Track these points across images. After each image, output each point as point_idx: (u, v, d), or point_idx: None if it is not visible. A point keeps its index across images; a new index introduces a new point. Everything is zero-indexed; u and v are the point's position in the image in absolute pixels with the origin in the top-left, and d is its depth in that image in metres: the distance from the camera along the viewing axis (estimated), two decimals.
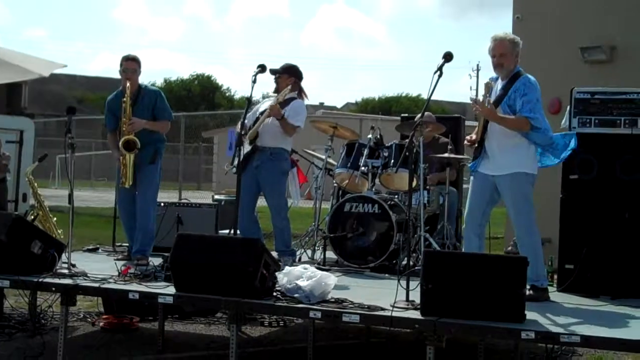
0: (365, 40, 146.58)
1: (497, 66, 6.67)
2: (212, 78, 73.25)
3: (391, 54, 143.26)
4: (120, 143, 8.04)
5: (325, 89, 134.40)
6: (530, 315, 5.54)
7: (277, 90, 8.19)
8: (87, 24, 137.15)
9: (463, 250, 7.07)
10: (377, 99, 71.84)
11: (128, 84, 8.09)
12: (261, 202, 8.30)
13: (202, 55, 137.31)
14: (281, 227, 8.07)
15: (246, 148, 8.00)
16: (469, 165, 7.01)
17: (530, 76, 6.58)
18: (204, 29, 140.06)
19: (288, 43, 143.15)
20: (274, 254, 7.81)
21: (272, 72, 8.12)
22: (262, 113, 8.05)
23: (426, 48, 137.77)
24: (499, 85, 6.71)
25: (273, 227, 8.14)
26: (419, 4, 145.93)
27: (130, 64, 8.22)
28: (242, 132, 7.47)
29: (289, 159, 8.33)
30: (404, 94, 72.64)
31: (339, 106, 72.06)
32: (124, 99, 8.10)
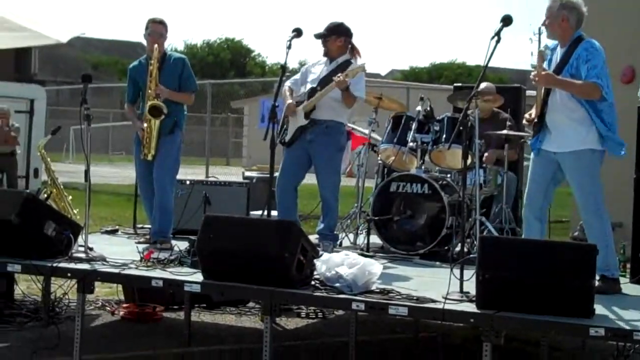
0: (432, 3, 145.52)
1: (546, 29, 6.66)
2: (240, 41, 73.01)
3: (443, 16, 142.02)
4: (147, 107, 8.10)
5: (369, 53, 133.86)
6: (599, 309, 5.52)
7: (326, 54, 8.18)
8: None
9: (523, 235, 7.03)
10: (426, 67, 71.43)
11: (155, 46, 8.15)
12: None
13: (230, 18, 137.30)
14: (331, 206, 8.09)
15: (299, 121, 8.03)
16: (529, 142, 6.96)
17: (593, 40, 6.49)
18: None
19: (325, 4, 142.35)
20: (313, 237, 7.85)
21: (318, 36, 8.10)
22: (319, 84, 8.02)
23: (484, 9, 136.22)
24: (558, 53, 6.65)
25: (322, 205, 8.16)
26: None
27: (158, 27, 8.29)
28: (277, 105, 7.46)
29: (346, 132, 8.34)
30: (456, 61, 72.09)
31: (383, 73, 71.82)
32: (151, 62, 8.16)
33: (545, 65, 6.68)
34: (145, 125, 8.17)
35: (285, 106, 8.08)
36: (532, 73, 6.55)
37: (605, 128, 6.43)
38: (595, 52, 6.42)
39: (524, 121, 6.99)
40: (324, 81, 7.97)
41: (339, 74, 7.73)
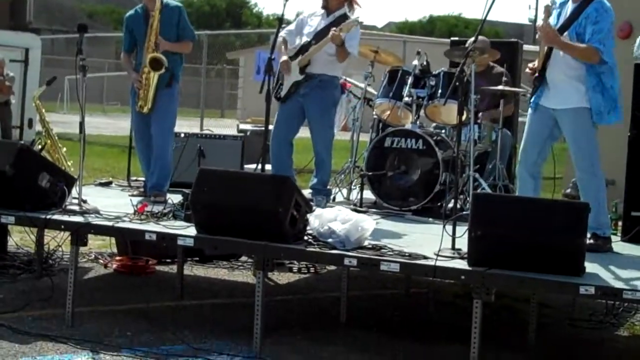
0: None
1: None
2: None
3: None
4: (147, 59, 8.05)
5: (366, 4, 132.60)
6: (590, 267, 5.56)
7: (325, 7, 8.13)
8: None
9: (517, 192, 7.05)
10: (422, 20, 71.10)
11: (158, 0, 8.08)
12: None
13: None
14: (324, 161, 8.12)
15: (294, 76, 8.01)
16: (528, 97, 6.95)
17: (604, 1, 6.44)
18: None
19: None
20: (305, 192, 7.87)
21: None
22: (314, 37, 7.98)
23: None
24: (569, 8, 6.60)
25: (315, 159, 8.19)
26: None
27: None
28: (272, 57, 7.43)
29: (340, 86, 8.32)
30: (452, 14, 71.78)
31: (379, 26, 71.47)
32: (152, 13, 8.09)
33: (554, 19, 6.64)
34: (143, 76, 8.13)
35: (279, 63, 8.04)
36: (538, 25, 6.52)
37: (597, 95, 6.41)
38: (604, 14, 6.38)
39: (527, 70, 6.94)
40: (320, 35, 7.93)
41: (334, 28, 7.70)
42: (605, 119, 6.45)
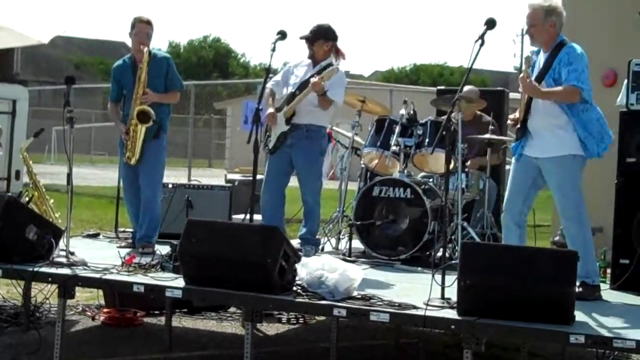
0: (403, 1, 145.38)
1: (530, 37, 6.68)
2: (224, 42, 72.86)
3: (429, 17, 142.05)
4: (135, 112, 8.06)
5: (353, 54, 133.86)
6: (579, 316, 5.55)
7: (312, 57, 8.18)
8: None
9: (502, 240, 7.06)
10: (406, 68, 71.48)
11: (145, 49, 8.10)
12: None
13: (214, 17, 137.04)
14: (313, 211, 8.15)
15: (280, 127, 8.03)
16: (511, 146, 6.99)
17: (575, 45, 6.52)
18: None
19: (314, 2, 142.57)
20: (295, 242, 7.86)
21: (306, 39, 8.10)
22: (299, 88, 8.02)
23: (469, 10, 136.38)
24: (541, 58, 6.67)
25: (304, 209, 8.21)
26: None
27: (145, 27, 8.22)
28: (260, 108, 7.46)
29: (327, 136, 8.35)
30: (438, 63, 72.15)
31: (366, 75, 71.86)
32: (141, 65, 8.11)
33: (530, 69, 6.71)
34: (130, 128, 8.12)
35: (266, 115, 8.07)
36: (520, 76, 6.58)
37: (585, 132, 6.45)
38: (576, 56, 6.44)
39: (509, 121, 7.00)
40: (304, 85, 7.97)
41: (315, 76, 7.74)
42: (596, 153, 6.49)
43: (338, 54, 8.22)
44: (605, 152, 6.55)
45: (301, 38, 8.08)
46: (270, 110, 8.14)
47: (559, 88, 6.41)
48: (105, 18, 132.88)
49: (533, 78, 6.57)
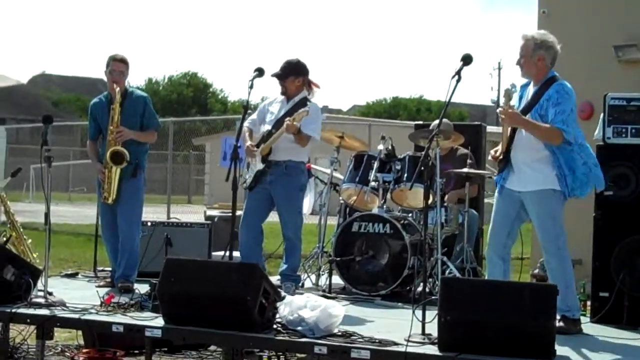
0: (380, 36, 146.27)
1: (520, 68, 6.70)
2: (202, 77, 72.88)
3: (406, 51, 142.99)
4: (108, 154, 8.02)
5: (331, 89, 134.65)
6: (560, 350, 5.55)
7: (284, 93, 8.19)
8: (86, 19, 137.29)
9: (486, 275, 7.07)
10: (386, 100, 71.61)
11: (118, 89, 8.07)
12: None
13: (192, 52, 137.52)
14: (294, 247, 8.12)
15: (257, 165, 8.04)
16: (494, 178, 6.99)
17: (565, 83, 6.54)
18: (197, 21, 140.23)
19: (292, 38, 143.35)
20: (274, 278, 7.84)
21: (276, 76, 8.12)
22: (274, 126, 8.03)
23: (446, 44, 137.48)
24: (530, 91, 6.70)
25: (285, 245, 8.18)
26: None
27: (119, 66, 8.20)
28: (238, 145, 7.46)
29: (306, 171, 8.35)
30: (416, 96, 72.30)
31: (345, 109, 72.01)
32: (113, 106, 8.08)
33: (516, 102, 6.73)
34: (105, 170, 8.10)
35: (244, 148, 8.08)
36: (499, 110, 6.59)
37: (564, 169, 6.46)
38: (565, 96, 6.46)
39: (489, 157, 7.01)
40: (279, 123, 7.98)
41: (287, 118, 7.76)
42: (578, 193, 6.51)
43: (310, 87, 8.25)
44: (587, 194, 6.58)
45: (272, 76, 8.10)
46: (248, 142, 8.14)
47: (544, 125, 6.42)
48: (83, 55, 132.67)
49: (519, 110, 6.59)
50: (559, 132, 6.37)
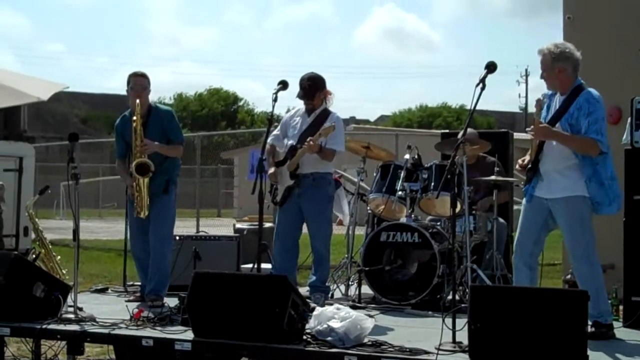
0: (419, 46, 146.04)
1: (544, 81, 6.67)
2: (232, 92, 73.07)
3: (446, 60, 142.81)
4: (133, 166, 8.03)
5: (365, 100, 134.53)
6: (593, 356, 5.48)
7: (311, 109, 8.20)
8: (112, 37, 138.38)
9: (513, 282, 7.02)
10: (415, 107, 71.44)
11: (138, 101, 8.07)
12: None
13: (233, 67, 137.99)
14: (323, 258, 8.14)
15: (286, 181, 8.05)
16: (523, 188, 6.95)
17: (593, 91, 6.49)
18: (239, 38, 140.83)
19: (329, 51, 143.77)
20: (304, 289, 7.83)
21: (304, 97, 8.13)
22: (299, 140, 8.03)
23: (485, 52, 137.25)
24: (557, 100, 6.66)
25: (314, 256, 8.19)
26: (482, 1, 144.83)
27: (140, 81, 8.21)
28: (263, 158, 7.46)
29: (333, 182, 8.35)
30: (443, 104, 71.99)
31: (372, 119, 72.02)
32: (134, 118, 8.08)
33: (544, 111, 6.69)
34: (134, 183, 8.11)
35: (267, 174, 8.08)
36: (529, 129, 6.55)
37: (597, 181, 6.41)
38: (596, 104, 6.41)
39: (517, 166, 6.98)
40: (304, 137, 7.99)
41: (310, 138, 7.76)
42: (606, 210, 6.45)
43: (327, 95, 8.26)
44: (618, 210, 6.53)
45: (298, 97, 8.14)
46: (272, 170, 8.17)
47: (578, 136, 6.38)
48: (111, 72, 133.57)
49: (548, 120, 6.56)
50: (594, 143, 6.33)
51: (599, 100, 6.44)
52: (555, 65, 6.52)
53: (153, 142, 8.05)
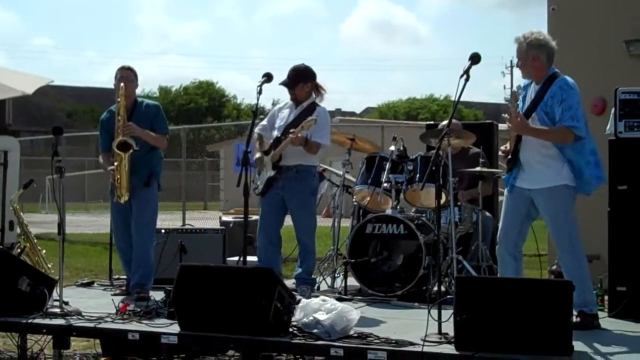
0: (406, 38, 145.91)
1: (520, 69, 6.70)
2: (218, 86, 72.87)
3: (433, 52, 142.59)
4: (115, 144, 7.98)
5: (352, 92, 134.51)
6: (578, 346, 5.53)
7: (294, 100, 8.19)
8: (101, 32, 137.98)
9: (498, 273, 7.04)
10: (400, 100, 71.27)
11: (122, 84, 8.06)
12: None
13: (221, 60, 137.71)
14: (309, 250, 8.14)
15: (268, 172, 8.05)
16: (503, 177, 6.97)
17: (567, 78, 6.52)
18: (228, 32, 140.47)
19: (317, 44, 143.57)
20: (290, 282, 7.84)
21: (285, 84, 8.12)
22: (283, 132, 8.01)
23: (471, 44, 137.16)
24: (533, 90, 6.67)
25: (300, 249, 8.20)
26: None
27: (126, 73, 8.23)
28: (249, 150, 7.44)
29: (317, 174, 8.34)
30: (429, 95, 71.89)
31: (358, 112, 71.98)
32: (118, 100, 8.05)
33: (520, 102, 6.70)
34: (115, 163, 8.06)
35: (254, 159, 8.07)
36: (504, 116, 6.56)
37: (578, 158, 6.43)
38: (570, 91, 6.42)
39: (500, 153, 6.99)
40: (288, 129, 7.99)
41: (292, 130, 7.75)
42: (594, 186, 6.49)
43: (319, 90, 8.25)
44: (594, 189, 6.55)
45: (280, 84, 8.11)
46: (257, 155, 8.15)
47: (553, 128, 6.40)
48: (97, 66, 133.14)
49: (523, 110, 6.57)
50: (569, 130, 6.35)
51: (573, 87, 6.46)
52: (529, 52, 6.54)
53: (136, 126, 8.00)
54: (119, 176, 8.05)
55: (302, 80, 8.15)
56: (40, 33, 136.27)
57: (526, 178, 6.64)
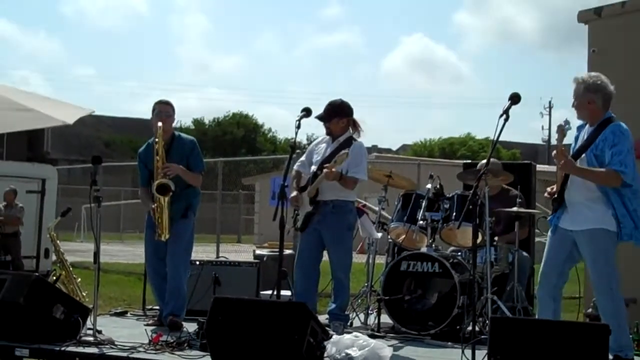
0: (446, 76, 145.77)
1: (575, 110, 6.67)
2: (252, 117, 73.21)
3: (473, 91, 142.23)
4: (154, 185, 8.06)
5: (390, 129, 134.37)
6: None
7: (329, 134, 8.22)
8: (142, 62, 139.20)
9: (537, 314, 6.99)
10: (437, 138, 71.20)
11: (160, 124, 8.14)
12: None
13: (260, 94, 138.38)
14: (343, 286, 8.10)
15: (306, 207, 8.06)
16: (548, 219, 6.93)
17: (622, 124, 6.49)
18: (267, 66, 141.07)
19: (357, 80, 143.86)
20: (323, 317, 7.82)
21: (320, 119, 8.14)
22: (319, 167, 8.02)
23: (511, 84, 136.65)
24: (586, 131, 6.65)
25: (334, 284, 8.17)
26: (513, 32, 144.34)
27: (164, 107, 8.30)
28: (286, 184, 7.46)
29: (355, 209, 8.33)
30: (467, 134, 71.74)
31: (394, 148, 71.94)
32: (156, 140, 8.14)
33: (572, 142, 6.68)
34: (154, 205, 8.14)
35: (289, 198, 8.07)
36: (554, 153, 6.54)
37: (623, 210, 6.39)
38: (622, 136, 6.41)
39: (546, 194, 6.95)
40: (324, 163, 7.97)
41: (326, 165, 7.76)
42: (628, 239, 6.43)
43: (356, 126, 8.26)
44: None
45: (316, 118, 8.12)
46: (294, 193, 8.17)
47: (600, 170, 6.38)
48: (135, 97, 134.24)
49: (574, 150, 6.57)
50: (616, 174, 6.32)
51: (625, 133, 6.43)
52: (585, 95, 6.53)
53: (176, 165, 8.10)
54: (159, 216, 8.12)
55: (337, 115, 8.16)
56: (83, 62, 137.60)
57: (569, 219, 6.61)
